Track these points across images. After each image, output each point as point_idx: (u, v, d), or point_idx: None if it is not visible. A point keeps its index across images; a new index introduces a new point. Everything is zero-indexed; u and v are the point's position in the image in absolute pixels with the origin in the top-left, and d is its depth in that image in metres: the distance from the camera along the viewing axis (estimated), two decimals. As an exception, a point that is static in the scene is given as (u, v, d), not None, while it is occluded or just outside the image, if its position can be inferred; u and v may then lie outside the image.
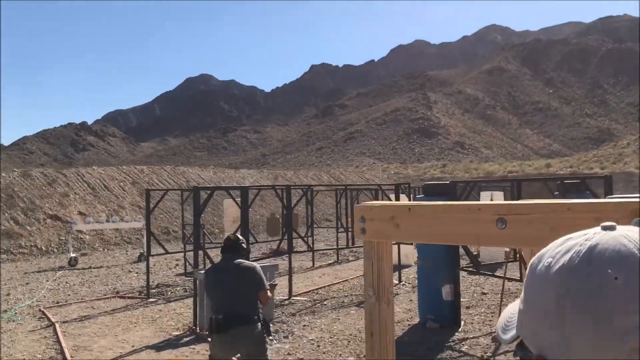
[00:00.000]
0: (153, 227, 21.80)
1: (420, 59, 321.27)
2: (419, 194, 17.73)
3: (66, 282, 12.77)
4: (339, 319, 8.40)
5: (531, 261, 0.66)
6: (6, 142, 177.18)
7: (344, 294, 10.51)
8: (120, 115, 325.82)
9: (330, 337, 7.38)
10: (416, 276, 12.08)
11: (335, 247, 16.23)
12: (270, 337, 5.75)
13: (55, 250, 19.40)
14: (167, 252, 11.12)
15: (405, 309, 9.01)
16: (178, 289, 11.48)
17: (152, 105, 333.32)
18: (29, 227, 19.73)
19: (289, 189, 10.57)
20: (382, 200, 13.61)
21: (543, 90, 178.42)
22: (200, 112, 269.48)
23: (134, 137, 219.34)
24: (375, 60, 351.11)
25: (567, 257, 0.59)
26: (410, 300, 9.66)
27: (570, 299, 0.56)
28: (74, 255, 16.11)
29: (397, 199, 11.52)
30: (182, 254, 13.16)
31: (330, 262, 15.43)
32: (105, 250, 20.21)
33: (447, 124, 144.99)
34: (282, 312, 8.93)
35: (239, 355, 4.28)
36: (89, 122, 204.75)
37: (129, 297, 10.59)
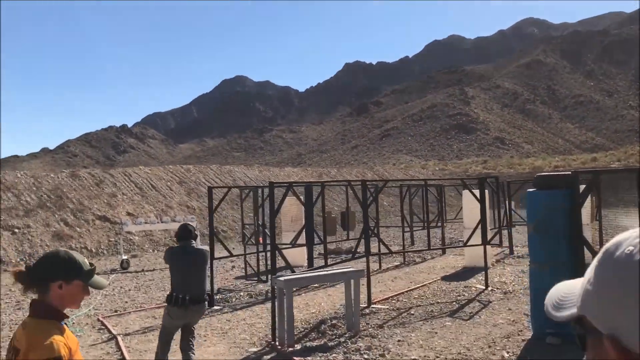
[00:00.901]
0: (202, 227, 21.12)
1: (456, 54, 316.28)
2: (507, 189, 16.50)
3: (121, 287, 12.03)
4: (436, 333, 7.30)
5: (607, 247, 0.71)
6: (51, 146, 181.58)
7: (428, 302, 9.39)
8: (159, 118, 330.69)
9: (437, 357, 6.30)
10: (511, 280, 10.94)
11: (425, 248, 15.03)
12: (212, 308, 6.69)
13: (105, 252, 18.85)
14: (231, 255, 10.21)
15: (509, 320, 7.85)
16: (242, 294, 10.56)
17: (190, 108, 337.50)
18: (78, 229, 19.24)
19: (365, 184, 9.51)
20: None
21: (584, 83, 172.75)
22: (236, 113, 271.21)
23: (173, 138, 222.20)
24: (410, 56, 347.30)
25: None
26: (509, 309, 8.49)
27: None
28: (125, 257, 15.44)
29: (482, 194, 10.35)
30: (242, 256, 12.25)
31: (396, 264, 14.32)
32: (155, 251, 19.56)
33: (486, 119, 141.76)
34: (367, 323, 7.88)
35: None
36: (129, 125, 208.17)
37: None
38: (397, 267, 13.92)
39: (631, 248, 0.66)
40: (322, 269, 8.48)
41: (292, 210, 14.50)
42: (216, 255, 10.08)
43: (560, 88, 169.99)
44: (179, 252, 5.36)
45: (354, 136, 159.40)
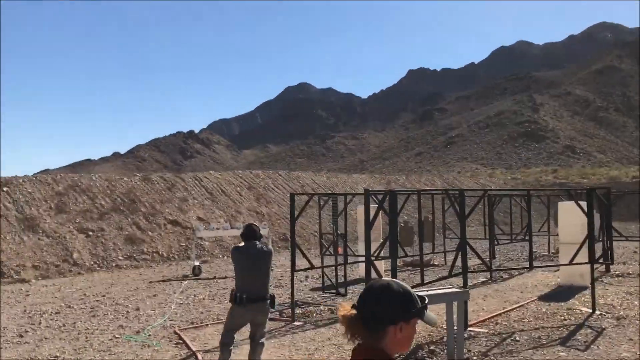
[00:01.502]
0: (272, 234, 20.70)
1: (524, 60, 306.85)
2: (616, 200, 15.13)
3: (194, 295, 11.63)
4: (554, 366, 6.36)
5: None
6: (122, 150, 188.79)
7: (531, 326, 8.40)
8: (224, 124, 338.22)
9: (565, 397, 5.38)
10: (619, 303, 9.74)
11: (515, 264, 13.90)
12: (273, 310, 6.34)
13: (176, 256, 18.71)
14: (312, 267, 9.54)
15: (635, 353, 6.78)
16: (322, 309, 9.89)
17: (254, 114, 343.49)
18: (150, 233, 19.22)
19: (463, 194, 8.66)
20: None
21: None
22: (299, 120, 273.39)
23: (237, 144, 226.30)
24: (475, 63, 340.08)
25: None
26: (630, 340, 7.40)
27: None
28: (197, 263, 15.14)
29: (590, 205, 9.26)
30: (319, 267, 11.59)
31: (482, 279, 13.28)
32: (225, 257, 19.27)
33: (556, 127, 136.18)
34: (469, 350, 7.02)
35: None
36: (196, 131, 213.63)
37: (270, 319, 9.11)
38: (483, 283, 12.89)
39: None
40: (420, 288, 7.68)
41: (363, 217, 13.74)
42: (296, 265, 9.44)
43: (636, 95, 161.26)
44: (242, 251, 5.55)
45: (417, 143, 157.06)
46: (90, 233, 18.01)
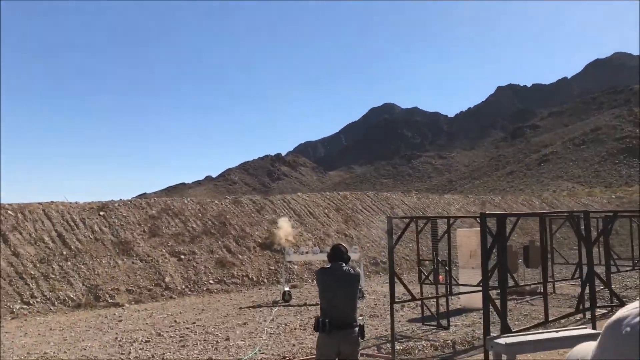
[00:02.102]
0: (364, 259, 19.90)
1: (621, 72, 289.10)
2: None
3: (285, 324, 11.04)
4: None
5: (612, 320, 0.80)
6: (214, 174, 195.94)
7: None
8: (310, 146, 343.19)
9: None
10: None
11: None
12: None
13: (266, 280, 18.35)
14: (413, 298, 8.65)
15: None
16: (424, 344, 8.95)
17: (339, 136, 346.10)
18: (240, 256, 19.03)
19: (588, 216, 7.51)
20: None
21: None
22: (384, 140, 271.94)
23: (323, 166, 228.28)
24: (568, 77, 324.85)
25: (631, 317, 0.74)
26: None
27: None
28: (287, 289, 14.62)
29: None
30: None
31: (603, 311, 11.75)
32: (314, 282, 18.68)
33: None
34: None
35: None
36: (283, 154, 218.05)
37: (368, 355, 8.30)
38: (603, 315, 11.38)
39: (628, 329, 0.73)
40: (547, 329, 6.61)
41: (469, 243, 12.65)
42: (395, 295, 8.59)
43: None
44: (327, 273, 5.15)
45: (508, 162, 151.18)
46: (182, 257, 18.05)
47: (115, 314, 13.45)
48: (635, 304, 0.80)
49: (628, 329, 0.76)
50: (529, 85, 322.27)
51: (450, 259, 9.67)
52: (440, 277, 10.18)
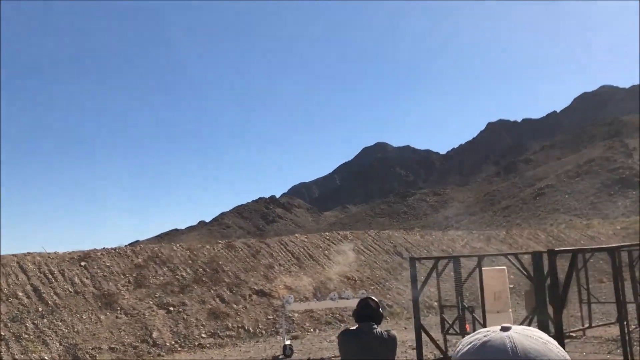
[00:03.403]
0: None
1: (609, 105, 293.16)
2: None
3: (288, 387, 9.51)
4: None
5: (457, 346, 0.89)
6: (207, 219, 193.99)
7: None
8: (304, 187, 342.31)
9: None
10: None
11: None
12: None
13: (264, 332, 16.76)
14: (445, 357, 7.21)
15: None
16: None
17: (332, 176, 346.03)
18: (235, 305, 17.48)
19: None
20: None
21: None
22: (378, 179, 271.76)
23: (317, 206, 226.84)
24: (557, 111, 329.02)
25: (468, 346, 0.84)
26: None
27: None
28: (288, 342, 13.08)
29: None
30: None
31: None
32: (317, 331, 17.12)
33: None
34: None
35: None
36: (277, 196, 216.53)
37: None
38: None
39: (461, 346, 0.84)
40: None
41: (494, 284, 11.25)
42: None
43: None
44: (353, 337, 3.95)
45: (503, 196, 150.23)
46: (171, 308, 16.50)
47: (93, 379, 11.85)
48: (475, 332, 0.86)
49: (461, 346, 0.87)
50: (519, 120, 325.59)
51: (483, 302, 8.30)
52: (467, 325, 8.76)
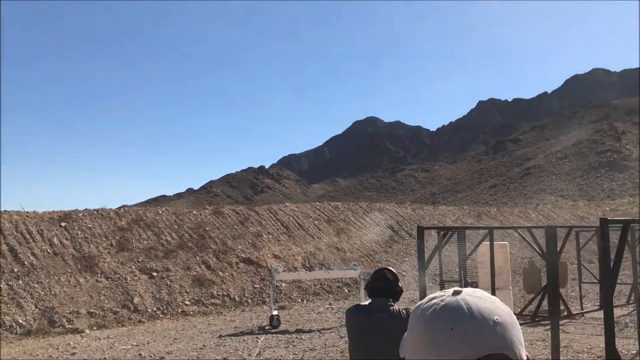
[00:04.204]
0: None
1: (600, 88, 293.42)
2: None
3: (275, 360, 8.96)
4: None
5: (414, 308, 0.96)
6: (195, 186, 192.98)
7: None
8: (294, 159, 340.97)
9: None
10: None
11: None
12: None
13: (250, 300, 16.22)
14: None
15: None
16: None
17: (323, 149, 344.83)
18: (221, 273, 16.89)
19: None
20: None
21: None
22: (368, 154, 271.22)
23: (306, 179, 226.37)
24: (548, 92, 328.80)
25: (430, 310, 0.90)
26: None
27: (427, 337, 0.87)
28: (275, 313, 12.52)
29: None
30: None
31: None
32: (304, 302, 16.60)
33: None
34: None
35: None
36: (267, 166, 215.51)
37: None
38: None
39: (421, 309, 0.91)
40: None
41: (495, 260, 10.69)
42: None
43: None
44: (364, 315, 3.32)
45: (491, 175, 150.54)
46: (154, 274, 15.87)
47: (70, 344, 11.24)
48: (430, 295, 0.94)
49: (422, 309, 0.92)
50: (510, 99, 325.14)
51: (494, 280, 7.68)
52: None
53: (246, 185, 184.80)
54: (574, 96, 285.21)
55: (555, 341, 6.64)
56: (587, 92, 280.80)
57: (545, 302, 8.64)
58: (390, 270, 3.36)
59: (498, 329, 0.87)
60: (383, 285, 3.26)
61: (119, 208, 18.62)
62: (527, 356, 0.93)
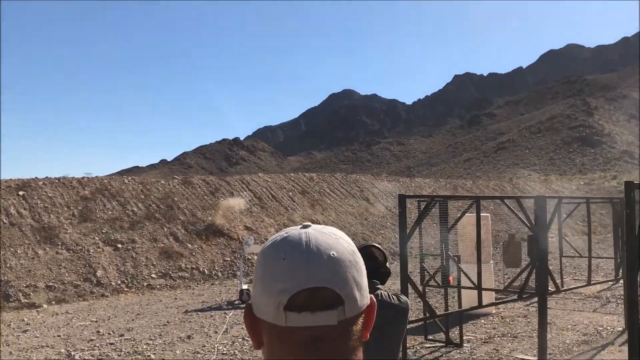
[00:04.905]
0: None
1: (574, 63, 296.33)
2: None
3: (243, 339, 8.39)
4: None
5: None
6: (169, 158, 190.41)
7: None
8: (269, 131, 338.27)
9: None
10: None
11: None
12: None
13: (220, 274, 15.60)
14: (434, 316, 6.10)
15: None
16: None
17: (298, 121, 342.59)
18: (190, 245, 16.20)
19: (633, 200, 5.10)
20: None
21: None
22: (344, 126, 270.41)
23: (282, 151, 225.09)
24: (523, 67, 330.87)
25: (271, 241, 0.87)
26: None
27: (259, 269, 0.83)
28: (246, 287, 11.92)
29: None
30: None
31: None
32: (277, 275, 16.05)
33: (612, 131, 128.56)
34: None
35: None
36: (241, 138, 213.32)
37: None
38: None
39: (267, 242, 0.88)
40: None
41: (472, 232, 10.24)
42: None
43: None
44: None
45: (465, 149, 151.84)
46: (119, 245, 15.12)
47: (23, 320, 10.51)
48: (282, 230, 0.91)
49: (267, 243, 0.89)
50: (485, 74, 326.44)
51: (480, 252, 7.16)
52: (451, 277, 7.70)
53: (220, 157, 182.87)
54: (548, 71, 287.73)
55: (543, 321, 6.18)
56: (562, 68, 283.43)
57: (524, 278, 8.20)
58: (378, 247, 2.79)
59: (331, 263, 0.83)
60: (370, 266, 2.62)
61: (83, 177, 17.68)
62: (371, 299, 0.89)
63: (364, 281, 0.87)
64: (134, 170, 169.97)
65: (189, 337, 8.58)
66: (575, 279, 13.64)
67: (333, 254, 0.84)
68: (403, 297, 2.65)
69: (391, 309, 2.52)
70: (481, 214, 10.57)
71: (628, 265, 3.97)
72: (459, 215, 8.90)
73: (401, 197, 5.35)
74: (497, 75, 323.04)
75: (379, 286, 2.65)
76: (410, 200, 6.43)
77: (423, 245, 7.93)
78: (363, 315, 0.87)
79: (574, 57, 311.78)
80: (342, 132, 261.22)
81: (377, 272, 2.69)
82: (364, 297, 0.87)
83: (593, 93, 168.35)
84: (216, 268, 15.77)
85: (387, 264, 2.76)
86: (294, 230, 0.88)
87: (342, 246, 0.86)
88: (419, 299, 6.32)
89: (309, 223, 0.90)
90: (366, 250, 2.72)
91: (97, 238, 15.05)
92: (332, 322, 0.81)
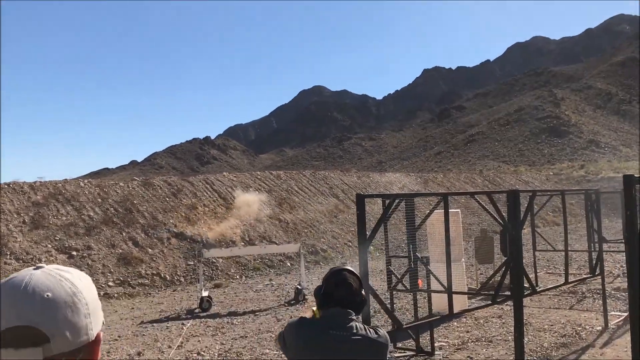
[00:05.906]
0: (306, 251, 16.72)
1: (540, 55, 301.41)
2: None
3: (198, 353, 7.72)
4: None
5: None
6: (139, 159, 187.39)
7: None
8: (240, 130, 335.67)
9: None
10: None
11: None
12: None
13: (182, 279, 14.85)
14: (400, 327, 5.53)
15: None
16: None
17: (269, 119, 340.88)
18: (150, 250, 15.41)
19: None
20: None
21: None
22: (315, 123, 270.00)
23: (253, 149, 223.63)
24: (491, 60, 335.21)
25: (2, 282, 0.92)
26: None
27: None
28: (206, 294, 11.22)
29: None
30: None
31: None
32: (243, 278, 15.38)
33: (579, 121, 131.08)
34: None
35: None
36: (212, 137, 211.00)
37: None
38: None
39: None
40: None
41: (440, 228, 9.74)
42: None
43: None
44: (318, 335, 2.20)
45: (436, 142, 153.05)
46: (74, 253, 14.25)
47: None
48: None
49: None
50: (453, 67, 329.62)
51: (449, 251, 6.61)
52: (420, 281, 7.16)
53: (191, 157, 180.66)
54: (515, 64, 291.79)
55: (519, 326, 5.68)
56: (528, 60, 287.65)
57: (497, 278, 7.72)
58: (352, 271, 2.37)
59: (43, 304, 0.88)
60: (343, 293, 2.26)
61: (35, 181, 16.71)
62: (97, 336, 0.96)
63: (81, 320, 0.92)
64: (104, 172, 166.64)
65: (139, 353, 7.88)
66: (549, 273, 13.31)
67: (47, 295, 0.89)
68: (381, 331, 2.28)
69: (371, 344, 2.15)
70: (452, 210, 10.06)
71: (630, 262, 3.45)
72: (428, 211, 8.37)
73: (359, 197, 4.76)
74: (465, 68, 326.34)
75: (353, 317, 2.23)
76: (373, 200, 5.85)
77: (390, 247, 7.37)
78: (82, 353, 0.92)
79: (539, 50, 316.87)
80: (314, 128, 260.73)
81: (352, 301, 2.27)
82: (80, 336, 0.92)
83: (559, 84, 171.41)
84: (178, 273, 15.01)
85: (363, 291, 2.32)
86: (24, 272, 0.93)
87: (62, 288, 0.92)
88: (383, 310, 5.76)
89: (43, 265, 0.95)
90: (338, 277, 2.32)
91: (50, 246, 14.17)
92: (37, 357, 0.87)
